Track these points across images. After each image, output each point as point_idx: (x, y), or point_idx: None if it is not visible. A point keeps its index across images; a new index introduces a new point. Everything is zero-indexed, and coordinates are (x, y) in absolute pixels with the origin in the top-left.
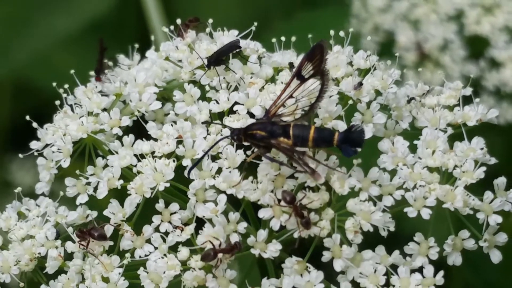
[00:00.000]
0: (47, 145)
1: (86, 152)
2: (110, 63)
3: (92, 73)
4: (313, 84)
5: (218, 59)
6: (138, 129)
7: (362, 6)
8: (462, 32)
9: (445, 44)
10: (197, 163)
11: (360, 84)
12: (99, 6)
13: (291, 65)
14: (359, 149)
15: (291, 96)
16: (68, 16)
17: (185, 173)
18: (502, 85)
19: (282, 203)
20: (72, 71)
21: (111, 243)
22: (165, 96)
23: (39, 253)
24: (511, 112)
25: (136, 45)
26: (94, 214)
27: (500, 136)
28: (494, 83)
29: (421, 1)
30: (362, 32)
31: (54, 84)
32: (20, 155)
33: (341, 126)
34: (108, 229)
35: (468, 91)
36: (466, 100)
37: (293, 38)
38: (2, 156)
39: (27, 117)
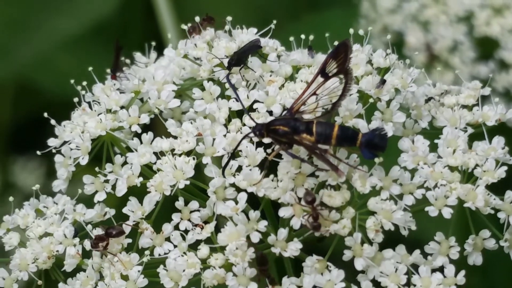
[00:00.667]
0: (64, 143)
1: (104, 149)
2: (128, 61)
3: (108, 70)
4: (334, 83)
5: (239, 60)
6: (155, 128)
7: (371, 6)
8: (472, 33)
9: (454, 46)
10: (226, 164)
11: (383, 81)
12: (102, 8)
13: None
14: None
15: (314, 93)
16: (70, 18)
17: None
18: (511, 86)
19: (303, 202)
20: (90, 68)
21: (130, 240)
22: (181, 94)
23: (57, 251)
24: None
25: (153, 43)
26: (112, 212)
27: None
28: (504, 85)
29: (430, 2)
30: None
31: (72, 81)
32: (38, 152)
33: (362, 124)
34: (126, 228)
35: (487, 91)
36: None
37: (311, 37)
38: (5, 157)
39: (45, 114)
